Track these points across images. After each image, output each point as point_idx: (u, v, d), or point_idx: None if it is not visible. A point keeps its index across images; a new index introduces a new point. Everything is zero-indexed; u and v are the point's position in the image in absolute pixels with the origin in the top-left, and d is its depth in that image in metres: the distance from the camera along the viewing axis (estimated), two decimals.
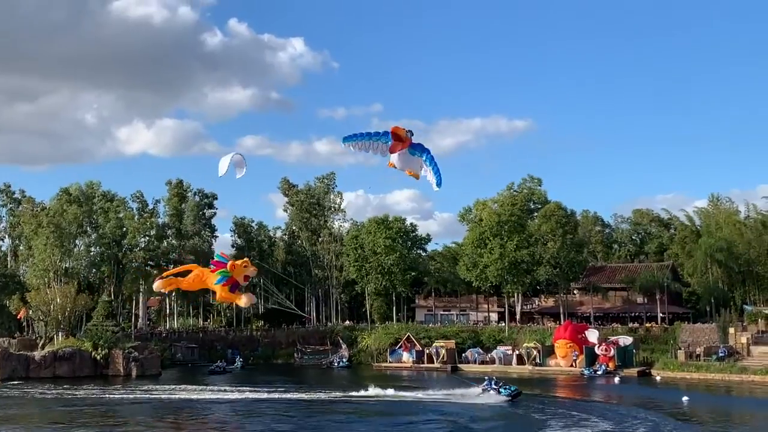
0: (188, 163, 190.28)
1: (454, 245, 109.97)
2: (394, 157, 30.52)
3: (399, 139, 30.35)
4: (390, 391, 55.00)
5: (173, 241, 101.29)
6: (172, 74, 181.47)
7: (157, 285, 38.48)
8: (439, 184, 30.70)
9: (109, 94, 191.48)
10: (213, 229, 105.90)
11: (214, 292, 39.04)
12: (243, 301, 36.98)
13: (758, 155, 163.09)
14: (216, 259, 38.61)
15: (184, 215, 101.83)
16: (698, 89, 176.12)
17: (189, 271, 38.49)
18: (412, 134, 30.71)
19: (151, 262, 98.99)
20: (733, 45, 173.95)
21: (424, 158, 30.73)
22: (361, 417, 46.74)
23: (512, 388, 51.51)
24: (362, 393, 55.54)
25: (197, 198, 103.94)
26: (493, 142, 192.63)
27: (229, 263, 35.73)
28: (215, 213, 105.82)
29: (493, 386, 51.63)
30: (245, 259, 38.90)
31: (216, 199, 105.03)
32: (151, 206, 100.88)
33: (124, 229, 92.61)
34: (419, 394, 54.46)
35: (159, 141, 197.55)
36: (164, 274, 40.71)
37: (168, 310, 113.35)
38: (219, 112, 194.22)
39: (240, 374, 78.30)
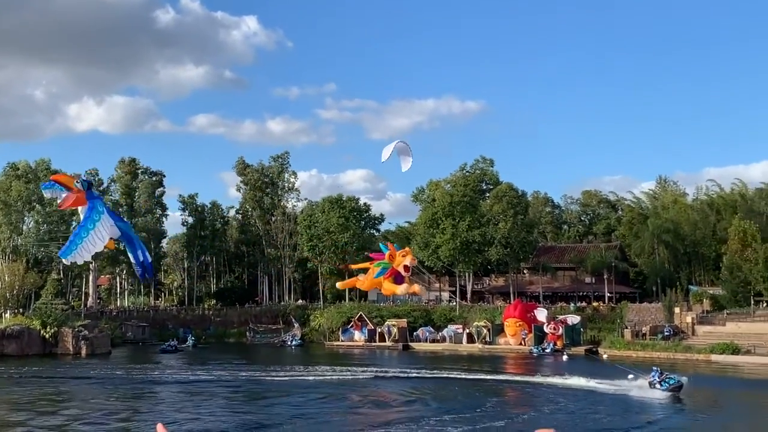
0: (140, 140, 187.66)
1: (407, 225, 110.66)
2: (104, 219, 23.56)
3: (68, 187, 23.56)
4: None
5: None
6: (123, 51, 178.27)
7: (339, 285, 39.84)
8: (62, 255, 23.23)
9: (58, 69, 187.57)
10: (164, 207, 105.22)
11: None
12: (401, 289, 34.34)
13: (703, 139, 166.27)
14: (380, 251, 35.63)
15: (136, 193, 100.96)
16: (647, 71, 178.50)
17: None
18: (88, 185, 23.71)
19: None
20: (684, 28, 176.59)
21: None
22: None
23: (672, 381, 45.89)
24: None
25: (146, 176, 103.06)
26: (446, 123, 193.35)
27: (387, 254, 33.41)
28: (164, 191, 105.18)
29: (657, 378, 46.43)
30: (406, 248, 36.66)
31: (164, 176, 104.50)
32: (105, 184, 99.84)
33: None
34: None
35: (110, 118, 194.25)
36: (350, 266, 40.55)
37: (119, 289, 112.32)
38: (171, 89, 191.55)
39: (192, 353, 78.02)
